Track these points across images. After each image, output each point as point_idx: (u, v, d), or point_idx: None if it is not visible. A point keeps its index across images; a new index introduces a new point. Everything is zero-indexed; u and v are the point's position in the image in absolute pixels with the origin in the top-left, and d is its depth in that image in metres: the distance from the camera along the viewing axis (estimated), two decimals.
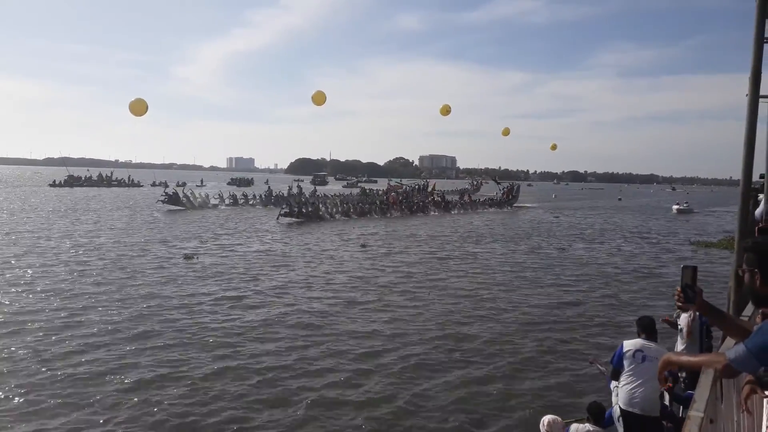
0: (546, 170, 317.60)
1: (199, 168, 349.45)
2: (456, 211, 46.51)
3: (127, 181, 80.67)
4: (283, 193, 48.25)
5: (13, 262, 17.16)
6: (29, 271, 15.78)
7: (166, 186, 67.82)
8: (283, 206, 35.39)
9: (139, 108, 17.18)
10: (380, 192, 53.90)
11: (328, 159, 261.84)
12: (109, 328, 10.63)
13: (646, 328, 5.53)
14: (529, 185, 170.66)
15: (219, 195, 45.90)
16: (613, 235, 30.31)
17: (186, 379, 8.29)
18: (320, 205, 38.09)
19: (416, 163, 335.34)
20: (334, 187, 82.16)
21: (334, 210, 38.04)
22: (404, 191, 56.24)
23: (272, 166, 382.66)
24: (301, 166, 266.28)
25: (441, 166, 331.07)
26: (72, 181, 73.55)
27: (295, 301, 13.19)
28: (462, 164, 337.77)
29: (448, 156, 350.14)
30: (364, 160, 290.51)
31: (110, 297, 13.07)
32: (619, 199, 79.64)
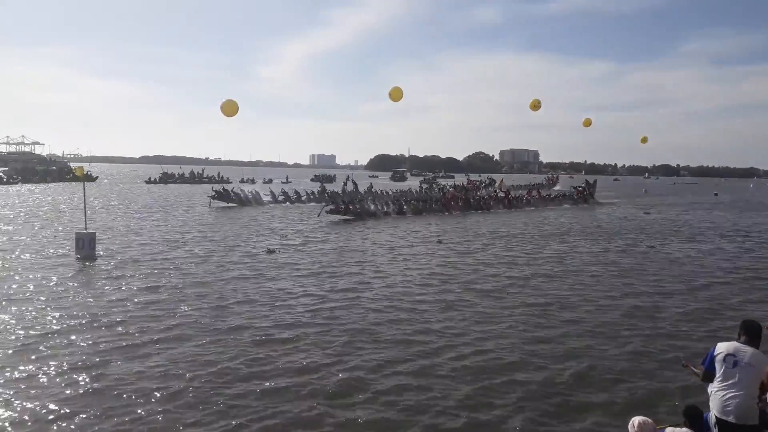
0: (635, 164, 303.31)
1: (284, 165, 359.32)
2: (523, 208, 43.73)
3: (216, 178, 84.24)
4: (336, 191, 47.36)
5: (119, 257, 18.44)
6: (123, 266, 16.90)
7: (253, 182, 70.36)
8: (329, 203, 34.21)
9: (230, 109, 17.79)
10: (441, 187, 52.45)
11: (407, 155, 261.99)
12: (202, 323, 11.20)
13: (749, 331, 5.04)
14: (615, 180, 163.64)
15: (271, 192, 45.65)
16: (711, 234, 28.48)
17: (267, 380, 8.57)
18: (369, 202, 36.78)
19: (497, 157, 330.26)
20: (412, 183, 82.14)
21: (385, 207, 36.33)
22: (465, 187, 54.81)
23: (353, 163, 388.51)
24: (381, 163, 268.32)
25: (523, 161, 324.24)
26: (166, 178, 77.80)
27: (380, 300, 13.21)
28: (545, 158, 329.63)
29: (531, 150, 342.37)
30: (442, 156, 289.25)
31: (203, 292, 13.77)
32: (716, 195, 74.98)
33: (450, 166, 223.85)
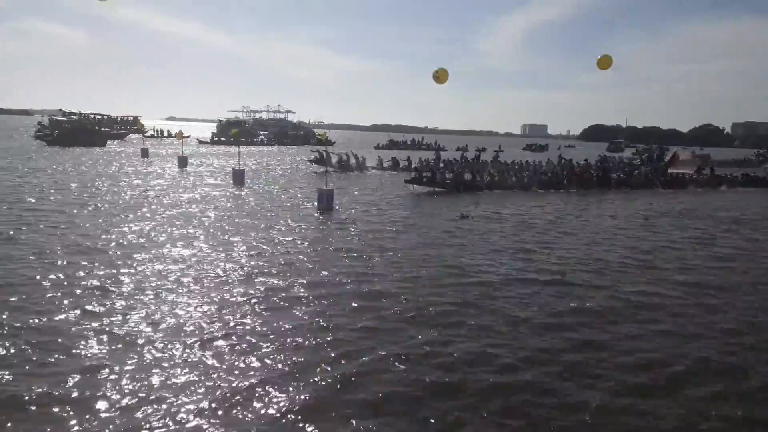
0: None
1: (495, 134, 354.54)
2: (686, 188, 34.37)
3: (433, 146, 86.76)
4: (454, 159, 41.72)
5: (351, 211, 20.14)
6: (353, 219, 18.37)
7: (466, 150, 70.80)
8: (412, 173, 29.37)
9: (443, 76, 18.40)
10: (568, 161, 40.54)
11: (624, 126, 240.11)
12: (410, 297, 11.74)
13: None
14: None
15: (378, 158, 41.42)
16: None
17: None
18: (466, 174, 30.92)
19: (728, 130, 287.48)
20: (625, 155, 75.55)
21: (491, 179, 30.11)
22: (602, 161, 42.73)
23: (565, 133, 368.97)
24: (594, 133, 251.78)
25: (759, 135, 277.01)
26: (391, 145, 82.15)
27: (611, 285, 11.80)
28: None
29: None
30: (664, 127, 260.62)
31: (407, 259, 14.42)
32: None
33: (672, 138, 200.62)
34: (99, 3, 10.83)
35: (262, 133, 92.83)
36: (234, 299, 9.43)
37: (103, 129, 72.37)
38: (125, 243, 13.27)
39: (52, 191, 21.64)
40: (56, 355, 7.03)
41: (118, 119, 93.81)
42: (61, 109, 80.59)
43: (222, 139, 76.83)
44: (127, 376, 6.59)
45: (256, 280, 10.56)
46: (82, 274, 10.53)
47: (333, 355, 7.38)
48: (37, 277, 10.09)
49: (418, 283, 10.75)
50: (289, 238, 14.60)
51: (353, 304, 9.40)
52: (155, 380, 6.51)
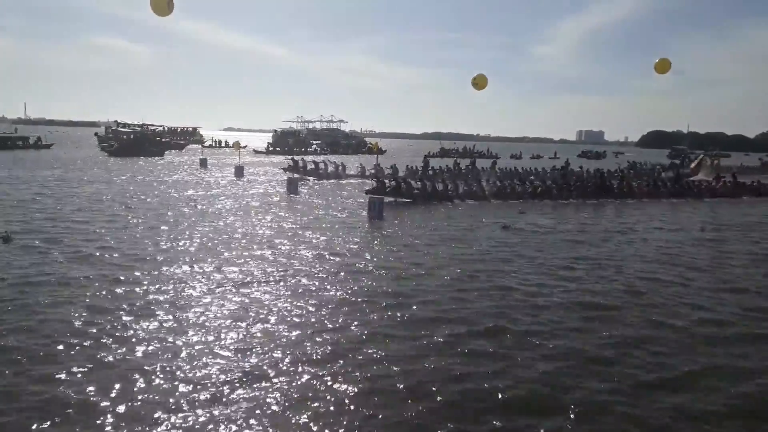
0: None
1: (549, 141, 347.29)
2: (701, 198, 31.15)
3: (486, 154, 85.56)
4: (444, 167, 38.82)
5: (399, 220, 19.91)
6: (403, 230, 18.13)
7: (519, 157, 69.48)
8: (372, 182, 26.67)
9: (481, 82, 18.44)
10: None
11: (686, 131, 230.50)
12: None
13: None
14: None
15: (360, 166, 38.94)
16: None
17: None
18: (429, 183, 27.49)
19: None
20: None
21: (464, 187, 27.65)
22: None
23: (622, 139, 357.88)
24: (654, 140, 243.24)
25: None
26: (443, 153, 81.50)
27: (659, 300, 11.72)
28: None
29: None
30: (729, 132, 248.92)
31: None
32: None
33: (737, 144, 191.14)
34: (159, 17, 11.05)
35: (315, 142, 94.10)
36: (305, 308, 9.39)
37: (163, 140, 74.90)
38: (187, 248, 13.59)
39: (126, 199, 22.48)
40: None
41: (178, 130, 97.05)
42: (116, 121, 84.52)
43: (277, 149, 78.34)
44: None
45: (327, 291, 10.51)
46: (164, 268, 11.39)
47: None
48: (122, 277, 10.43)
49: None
50: (353, 247, 14.51)
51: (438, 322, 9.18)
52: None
